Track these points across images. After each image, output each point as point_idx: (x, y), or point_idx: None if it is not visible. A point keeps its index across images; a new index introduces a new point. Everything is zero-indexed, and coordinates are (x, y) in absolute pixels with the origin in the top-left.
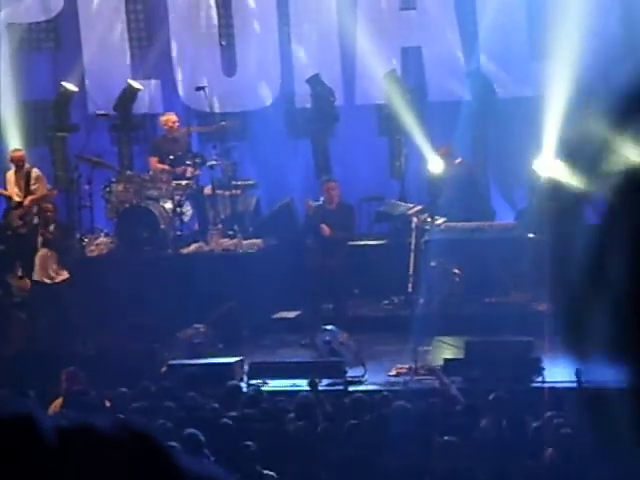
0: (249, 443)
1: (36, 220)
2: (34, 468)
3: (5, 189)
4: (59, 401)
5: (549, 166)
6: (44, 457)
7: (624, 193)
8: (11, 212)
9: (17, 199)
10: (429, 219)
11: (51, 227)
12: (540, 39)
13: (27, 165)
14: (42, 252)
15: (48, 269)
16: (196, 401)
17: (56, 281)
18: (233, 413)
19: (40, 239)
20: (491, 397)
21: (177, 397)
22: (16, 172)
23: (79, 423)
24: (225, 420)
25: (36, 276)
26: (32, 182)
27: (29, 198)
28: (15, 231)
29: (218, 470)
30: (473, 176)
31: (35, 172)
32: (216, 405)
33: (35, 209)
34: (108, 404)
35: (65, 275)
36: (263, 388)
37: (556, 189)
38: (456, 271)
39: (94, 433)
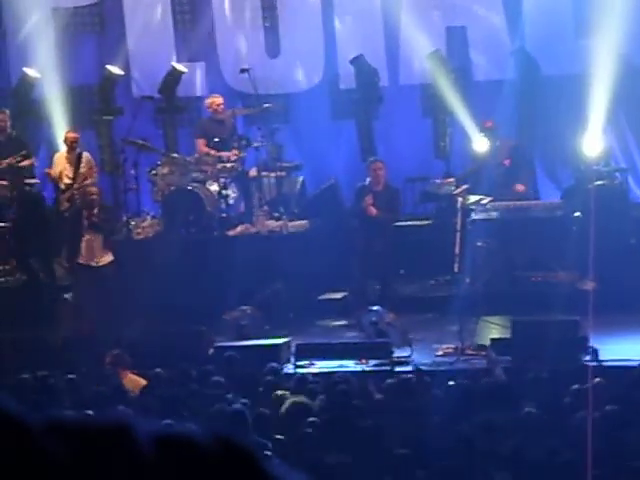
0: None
1: (81, 203)
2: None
3: (51, 169)
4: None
5: (595, 145)
6: (141, 469)
7: None
8: (59, 195)
9: (67, 181)
10: (475, 198)
11: (95, 210)
12: (585, 16)
13: (79, 149)
14: (87, 235)
15: (94, 252)
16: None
17: (100, 264)
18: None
19: (85, 222)
20: (536, 376)
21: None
22: (68, 154)
23: (177, 433)
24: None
25: (82, 259)
26: (82, 165)
27: (78, 182)
28: (62, 214)
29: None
30: (511, 158)
31: (86, 156)
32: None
33: (80, 192)
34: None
35: (110, 258)
36: (309, 370)
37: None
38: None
39: (192, 445)
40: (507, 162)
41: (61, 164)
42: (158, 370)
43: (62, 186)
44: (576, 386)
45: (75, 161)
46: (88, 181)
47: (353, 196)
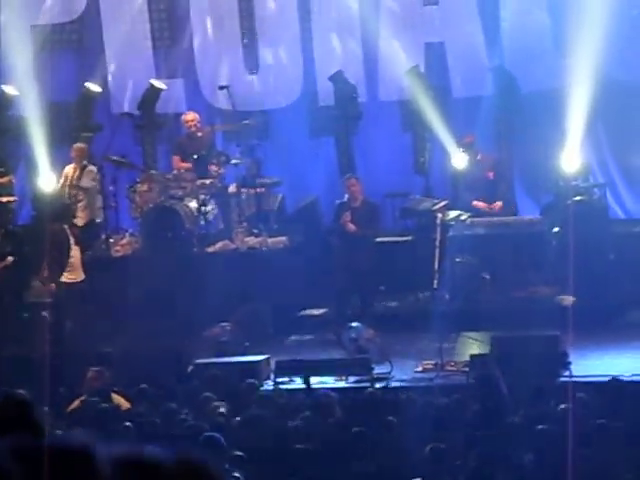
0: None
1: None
2: None
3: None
4: (79, 400)
5: (573, 160)
6: None
7: None
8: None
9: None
10: (454, 214)
11: (80, 224)
12: (563, 32)
13: (84, 161)
14: (74, 250)
15: (76, 268)
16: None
17: (78, 280)
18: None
19: (72, 239)
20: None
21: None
22: (75, 166)
23: (135, 454)
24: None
25: (63, 277)
26: (85, 175)
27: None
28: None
29: None
30: (494, 171)
31: (90, 168)
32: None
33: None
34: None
35: (82, 275)
36: (288, 386)
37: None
38: (485, 276)
39: (151, 466)
40: (491, 175)
41: (65, 176)
42: (143, 386)
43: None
44: (558, 403)
45: (78, 173)
46: (80, 195)
47: (332, 213)
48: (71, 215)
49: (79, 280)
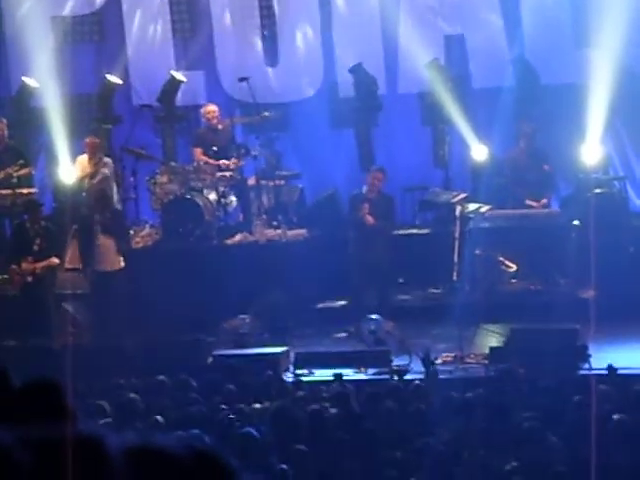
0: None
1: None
2: None
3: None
4: None
5: (593, 153)
6: (111, 478)
7: None
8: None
9: (87, 185)
10: (473, 207)
11: (107, 214)
12: (584, 25)
13: (99, 155)
14: (101, 240)
15: (107, 257)
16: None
17: (115, 269)
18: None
19: (98, 227)
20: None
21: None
22: (89, 158)
23: (145, 444)
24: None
25: (96, 265)
26: (101, 167)
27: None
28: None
29: None
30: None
31: (107, 161)
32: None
33: (93, 194)
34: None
35: (122, 263)
36: (308, 378)
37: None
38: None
39: (160, 454)
40: (547, 167)
41: (82, 169)
42: (161, 378)
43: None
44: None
45: (95, 166)
46: (103, 184)
47: (348, 204)
48: (110, 204)
49: (116, 269)
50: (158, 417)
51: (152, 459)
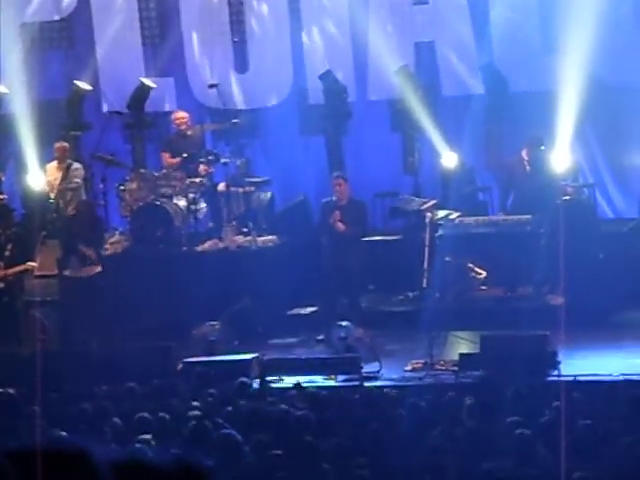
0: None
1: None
2: None
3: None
4: None
5: (563, 160)
6: None
7: None
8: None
9: (56, 191)
10: (443, 214)
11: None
12: (553, 32)
13: (68, 160)
14: (81, 249)
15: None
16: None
17: (90, 275)
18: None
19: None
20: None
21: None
22: (58, 164)
23: (132, 458)
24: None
25: (70, 272)
26: (71, 174)
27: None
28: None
29: None
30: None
31: (76, 166)
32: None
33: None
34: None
35: (98, 268)
36: (278, 385)
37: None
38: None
39: (147, 468)
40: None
41: (51, 174)
42: (131, 384)
43: (52, 196)
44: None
45: (64, 171)
46: (80, 193)
47: (320, 211)
48: (92, 212)
49: (90, 274)
50: (119, 422)
51: (139, 473)
